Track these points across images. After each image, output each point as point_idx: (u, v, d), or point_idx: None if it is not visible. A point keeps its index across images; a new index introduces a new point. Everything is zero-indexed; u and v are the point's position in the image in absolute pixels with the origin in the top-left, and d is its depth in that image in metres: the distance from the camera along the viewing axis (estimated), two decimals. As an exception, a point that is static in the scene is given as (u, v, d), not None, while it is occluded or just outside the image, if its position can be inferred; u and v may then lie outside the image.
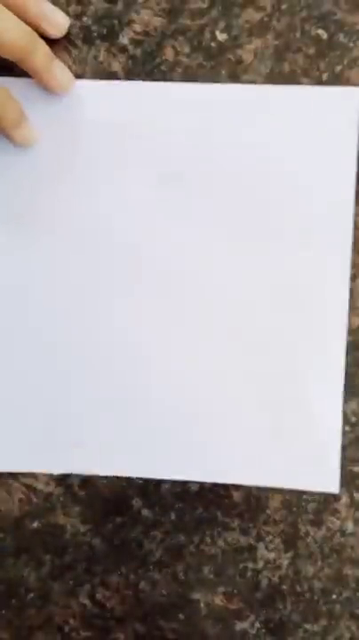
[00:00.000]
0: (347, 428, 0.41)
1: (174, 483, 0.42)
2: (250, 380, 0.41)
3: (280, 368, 0.41)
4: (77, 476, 0.42)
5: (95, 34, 0.42)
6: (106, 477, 0.42)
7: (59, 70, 0.40)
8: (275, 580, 0.41)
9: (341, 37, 0.41)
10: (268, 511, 0.41)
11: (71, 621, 0.42)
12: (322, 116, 0.41)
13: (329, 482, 0.41)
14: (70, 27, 0.41)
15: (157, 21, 0.42)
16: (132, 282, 0.41)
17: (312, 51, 0.41)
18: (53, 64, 0.39)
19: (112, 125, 0.41)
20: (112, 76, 0.41)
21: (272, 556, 0.41)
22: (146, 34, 0.42)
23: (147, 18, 0.42)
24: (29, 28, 0.37)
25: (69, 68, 0.41)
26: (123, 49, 0.41)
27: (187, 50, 0.41)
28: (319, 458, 0.41)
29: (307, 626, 0.41)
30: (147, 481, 0.42)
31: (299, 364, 0.41)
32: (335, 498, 0.41)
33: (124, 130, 0.41)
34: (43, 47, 0.38)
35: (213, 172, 0.41)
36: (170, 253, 0.41)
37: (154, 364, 0.41)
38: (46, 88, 0.40)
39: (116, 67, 0.41)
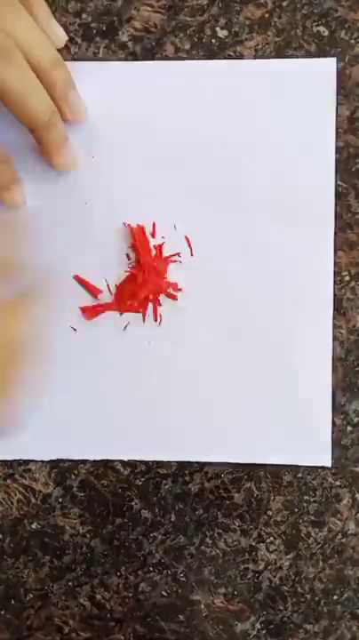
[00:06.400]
0: (350, 429, 0.41)
1: (174, 483, 0.41)
2: (238, 358, 0.41)
3: (267, 342, 0.41)
4: (76, 476, 0.42)
5: (95, 31, 0.41)
6: (105, 478, 0.42)
7: (67, 151, 0.40)
8: (276, 581, 0.41)
9: (343, 34, 0.41)
10: (269, 512, 0.41)
11: (71, 622, 0.42)
12: (300, 87, 0.41)
13: (321, 456, 0.41)
14: (70, 24, 0.41)
15: (157, 18, 0.41)
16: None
17: (313, 48, 0.41)
18: (66, 145, 0.40)
19: (96, 103, 0.41)
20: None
21: (273, 557, 0.41)
22: (146, 30, 0.41)
23: (146, 14, 0.41)
24: (54, 107, 0.38)
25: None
26: (123, 45, 0.41)
27: (187, 46, 0.41)
28: (310, 432, 0.41)
29: (308, 627, 0.41)
30: (146, 481, 0.42)
31: (286, 338, 0.41)
32: (337, 499, 0.41)
33: (111, 107, 0.41)
34: (61, 126, 0.39)
35: (193, 144, 0.41)
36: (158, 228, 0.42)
37: (152, 348, 0.42)
38: (49, 163, 0.40)
39: (116, 64, 0.41)
